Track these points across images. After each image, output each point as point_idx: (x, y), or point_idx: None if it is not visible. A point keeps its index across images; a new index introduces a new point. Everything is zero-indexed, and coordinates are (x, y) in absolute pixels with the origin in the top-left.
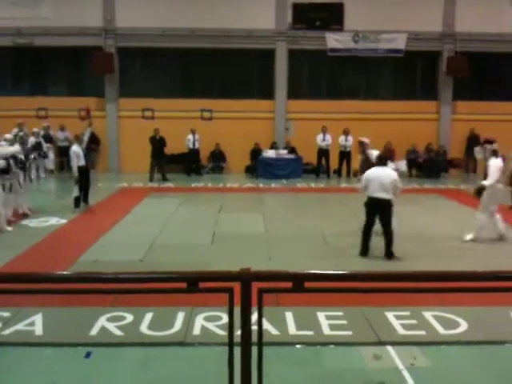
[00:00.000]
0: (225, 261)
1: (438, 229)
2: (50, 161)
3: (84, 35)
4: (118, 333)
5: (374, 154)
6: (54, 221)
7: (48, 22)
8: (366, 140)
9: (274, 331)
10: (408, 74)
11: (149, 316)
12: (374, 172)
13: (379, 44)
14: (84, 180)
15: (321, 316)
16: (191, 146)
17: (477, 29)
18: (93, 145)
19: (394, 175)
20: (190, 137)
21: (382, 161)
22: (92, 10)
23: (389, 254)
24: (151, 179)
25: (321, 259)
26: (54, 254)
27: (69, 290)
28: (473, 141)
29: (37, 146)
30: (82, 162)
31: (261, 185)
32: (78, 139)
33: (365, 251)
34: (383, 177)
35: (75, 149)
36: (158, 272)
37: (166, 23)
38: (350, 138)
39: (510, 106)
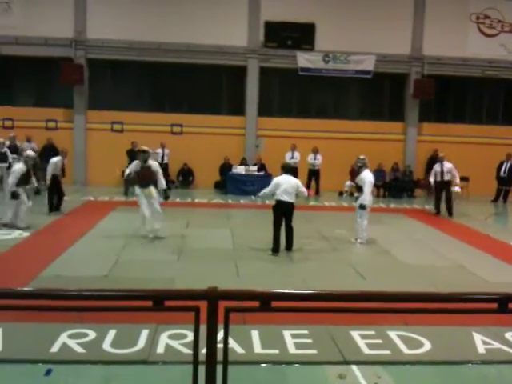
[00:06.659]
0: (191, 277)
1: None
2: None
3: (54, 45)
4: (80, 350)
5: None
6: (16, 234)
7: (17, 31)
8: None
9: (239, 350)
10: (376, 95)
11: (112, 333)
12: (281, 179)
13: (349, 65)
14: (57, 188)
15: (286, 334)
16: (159, 161)
17: (443, 53)
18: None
19: (297, 181)
20: (160, 151)
21: (285, 170)
22: (63, 20)
23: (290, 248)
24: (126, 193)
25: (288, 277)
26: (16, 268)
27: (30, 307)
28: (434, 162)
29: (2, 157)
30: (58, 172)
31: (230, 201)
32: (62, 152)
33: (277, 248)
34: (287, 183)
35: (57, 160)
36: (123, 290)
37: (137, 36)
38: (319, 156)
39: (472, 129)
